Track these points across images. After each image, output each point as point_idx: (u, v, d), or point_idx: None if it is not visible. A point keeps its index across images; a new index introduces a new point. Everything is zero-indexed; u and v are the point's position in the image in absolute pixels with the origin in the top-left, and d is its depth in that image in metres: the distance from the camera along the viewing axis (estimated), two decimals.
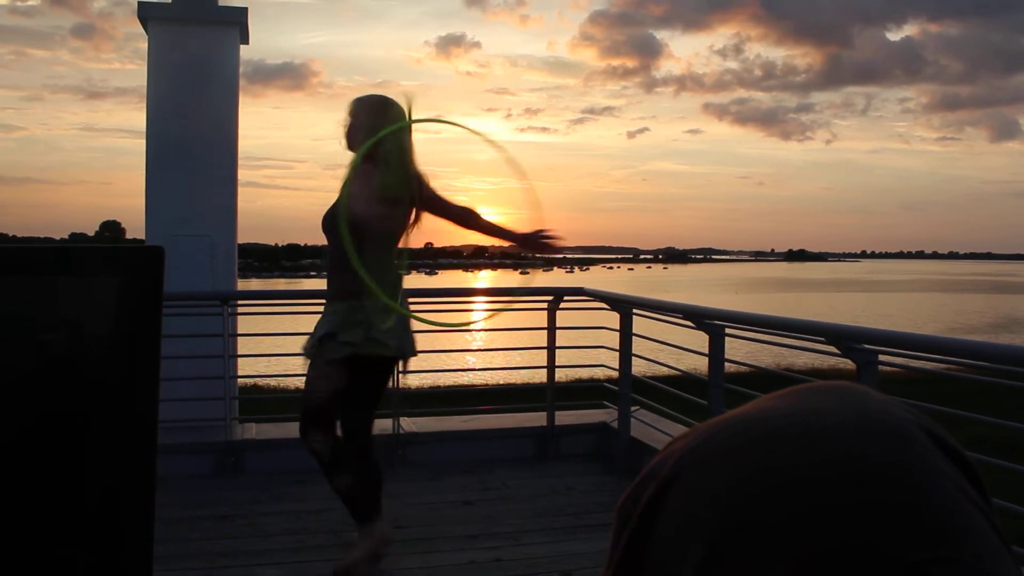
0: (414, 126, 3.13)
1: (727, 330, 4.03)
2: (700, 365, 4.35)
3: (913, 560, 0.34)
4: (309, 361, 3.10)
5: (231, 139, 5.11)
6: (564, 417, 5.04)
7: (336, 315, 3.04)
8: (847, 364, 3.25)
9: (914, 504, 0.36)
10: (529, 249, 3.21)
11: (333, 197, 3.16)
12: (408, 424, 4.84)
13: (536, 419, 5.02)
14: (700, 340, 4.14)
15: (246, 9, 5.14)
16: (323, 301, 3.20)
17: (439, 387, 9.12)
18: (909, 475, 0.37)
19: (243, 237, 5.37)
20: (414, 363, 3.28)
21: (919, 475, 0.37)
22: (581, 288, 5.14)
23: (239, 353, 4.97)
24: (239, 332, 4.97)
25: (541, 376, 5.14)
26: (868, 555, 0.35)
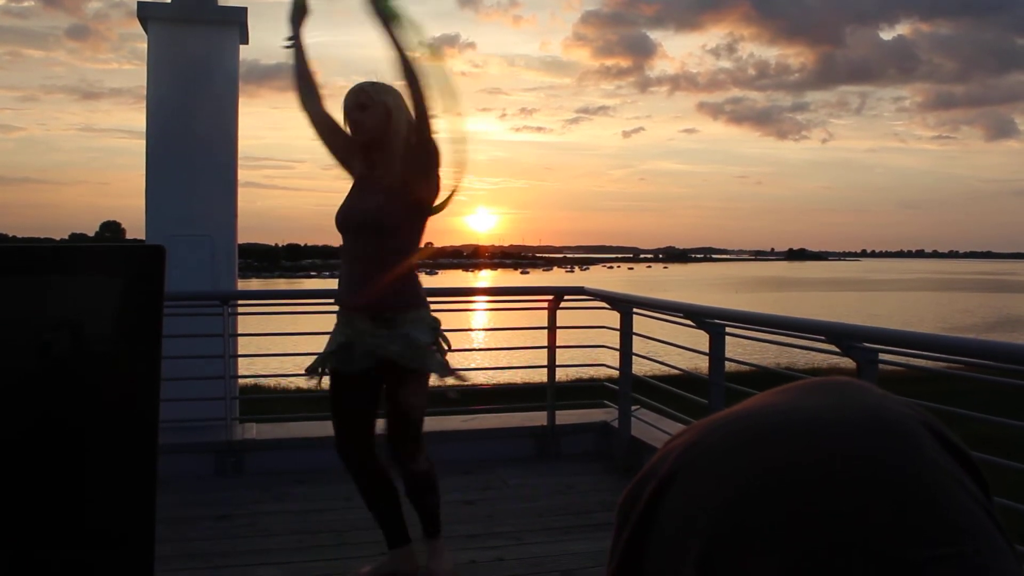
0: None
1: (727, 329, 4.03)
2: (701, 364, 4.34)
3: (913, 558, 0.34)
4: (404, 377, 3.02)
5: (231, 139, 5.10)
6: (565, 416, 5.03)
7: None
8: (847, 363, 3.25)
9: (914, 501, 0.36)
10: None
11: (335, 197, 3.10)
12: None
13: (536, 419, 5.02)
14: (700, 339, 4.14)
15: (246, 9, 5.14)
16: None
17: (439, 387, 9.08)
18: (909, 472, 0.37)
19: (243, 237, 5.37)
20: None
21: (919, 472, 0.37)
22: (581, 287, 5.15)
23: (239, 353, 4.97)
24: (239, 332, 4.97)
25: (541, 376, 5.14)
26: (867, 553, 0.34)
